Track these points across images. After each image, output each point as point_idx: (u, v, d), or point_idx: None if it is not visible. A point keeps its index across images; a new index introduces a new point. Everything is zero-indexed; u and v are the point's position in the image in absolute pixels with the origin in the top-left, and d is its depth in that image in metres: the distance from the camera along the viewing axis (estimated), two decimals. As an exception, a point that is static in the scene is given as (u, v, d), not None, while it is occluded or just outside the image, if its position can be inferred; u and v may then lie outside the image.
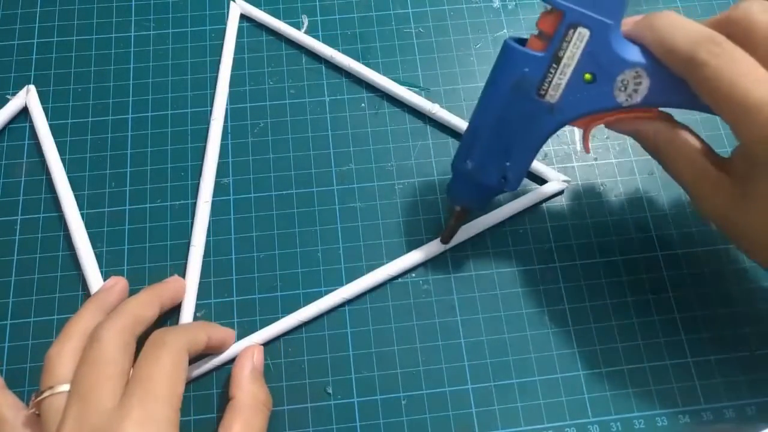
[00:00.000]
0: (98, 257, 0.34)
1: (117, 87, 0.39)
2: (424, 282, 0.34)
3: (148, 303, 0.30)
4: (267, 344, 0.33)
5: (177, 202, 0.36)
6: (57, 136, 0.37)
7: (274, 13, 0.41)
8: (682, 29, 0.26)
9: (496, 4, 0.42)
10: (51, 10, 0.41)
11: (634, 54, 0.27)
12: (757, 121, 0.24)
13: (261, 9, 0.41)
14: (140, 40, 0.40)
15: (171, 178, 0.37)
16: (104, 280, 0.34)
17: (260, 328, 0.33)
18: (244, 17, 0.41)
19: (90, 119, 0.38)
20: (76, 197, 0.36)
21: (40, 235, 0.35)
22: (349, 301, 0.34)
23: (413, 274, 0.35)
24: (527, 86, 0.28)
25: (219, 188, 0.36)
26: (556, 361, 0.33)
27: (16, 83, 0.39)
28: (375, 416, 0.32)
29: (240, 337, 0.33)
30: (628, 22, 0.28)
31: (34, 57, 0.40)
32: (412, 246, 0.35)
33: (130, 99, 0.39)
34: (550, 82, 0.27)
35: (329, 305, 0.33)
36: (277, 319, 0.33)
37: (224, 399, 0.31)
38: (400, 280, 0.34)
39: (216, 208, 0.36)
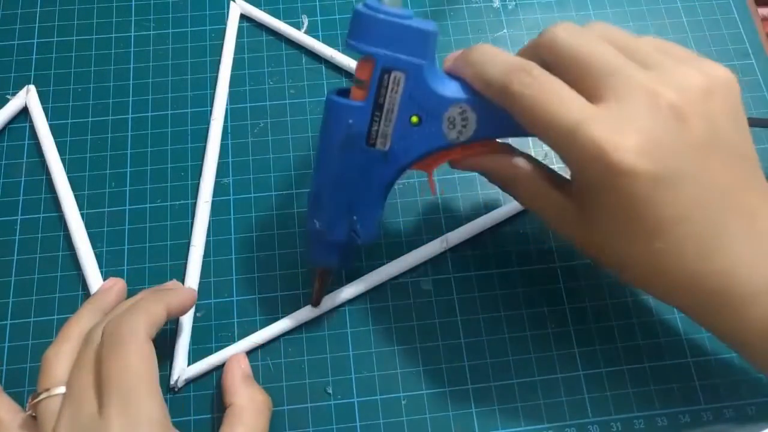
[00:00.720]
0: (98, 257, 0.34)
1: (117, 87, 0.39)
2: (424, 282, 0.34)
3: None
4: (266, 345, 0.33)
5: (177, 202, 0.36)
6: (57, 136, 0.37)
7: (274, 13, 0.41)
8: (494, 61, 0.26)
9: (496, 4, 0.42)
10: (51, 10, 0.41)
11: (455, 90, 0.27)
12: (574, 145, 0.24)
13: (261, 9, 0.41)
14: (140, 40, 0.40)
15: (171, 178, 0.37)
16: (104, 280, 0.34)
17: (260, 328, 0.33)
18: (244, 17, 0.41)
19: (90, 119, 0.38)
20: (76, 197, 0.36)
21: (40, 235, 0.35)
22: (349, 301, 0.34)
23: (413, 274, 0.35)
24: (355, 138, 0.27)
25: (219, 188, 0.36)
26: (556, 361, 0.33)
27: (16, 83, 0.39)
28: (375, 416, 0.32)
29: (240, 338, 0.33)
30: (450, 59, 0.28)
31: (34, 57, 0.40)
32: (412, 246, 0.35)
33: (130, 99, 0.39)
34: (378, 130, 0.27)
35: (331, 304, 0.33)
36: (277, 319, 0.33)
37: (222, 401, 0.31)
38: (400, 280, 0.34)
39: (216, 208, 0.36)
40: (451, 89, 0.27)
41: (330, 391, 0.32)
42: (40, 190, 0.36)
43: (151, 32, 0.41)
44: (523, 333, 0.33)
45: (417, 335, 0.33)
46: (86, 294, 0.34)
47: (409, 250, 0.35)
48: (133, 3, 0.41)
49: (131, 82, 0.39)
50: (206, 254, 0.35)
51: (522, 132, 0.27)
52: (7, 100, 0.38)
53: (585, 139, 0.23)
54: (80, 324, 0.29)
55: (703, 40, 0.41)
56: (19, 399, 0.31)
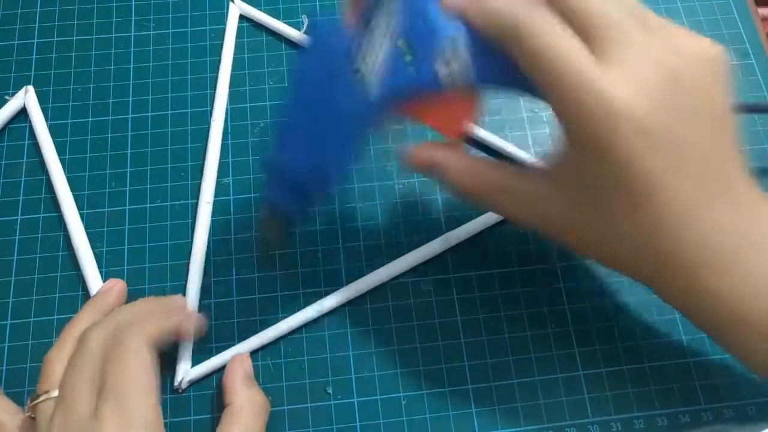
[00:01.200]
0: (98, 257, 0.34)
1: (117, 87, 0.39)
2: (424, 282, 0.34)
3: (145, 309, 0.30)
4: (266, 345, 0.33)
5: (177, 202, 0.36)
6: (57, 137, 0.37)
7: (274, 14, 0.41)
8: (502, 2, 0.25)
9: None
10: (51, 10, 0.41)
11: (453, 27, 0.25)
12: (578, 95, 0.23)
13: (260, 9, 0.41)
14: (140, 40, 0.40)
15: (171, 178, 0.37)
16: (104, 280, 0.34)
17: (260, 328, 0.33)
18: (243, 17, 0.41)
19: (90, 119, 0.38)
20: (76, 197, 0.36)
21: (40, 235, 0.35)
22: (349, 302, 0.34)
23: (413, 275, 0.35)
24: (340, 63, 0.25)
25: (219, 188, 0.36)
26: (556, 361, 0.33)
27: (16, 83, 0.39)
28: (375, 416, 0.32)
29: (240, 337, 0.33)
30: None
31: (34, 57, 0.40)
32: (412, 246, 0.35)
33: (130, 99, 0.39)
34: (365, 56, 0.25)
35: (331, 305, 0.33)
36: (278, 319, 0.33)
37: (222, 401, 0.31)
38: (400, 280, 0.34)
39: (216, 208, 0.36)
40: (450, 26, 0.25)
41: (330, 391, 0.32)
42: (39, 190, 0.36)
43: (151, 32, 0.41)
44: (523, 333, 0.33)
45: (417, 335, 0.33)
46: (86, 294, 0.34)
47: (409, 250, 0.35)
48: (133, 3, 0.41)
49: (131, 82, 0.39)
50: (206, 254, 0.35)
51: (518, 82, 0.25)
52: (6, 101, 0.38)
53: (590, 89, 0.23)
54: (81, 326, 0.29)
55: (703, 40, 0.41)
56: (19, 399, 0.31)
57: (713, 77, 0.25)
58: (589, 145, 0.24)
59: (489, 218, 0.35)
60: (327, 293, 0.34)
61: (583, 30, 0.24)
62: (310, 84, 0.26)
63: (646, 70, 0.24)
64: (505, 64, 0.25)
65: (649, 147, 0.23)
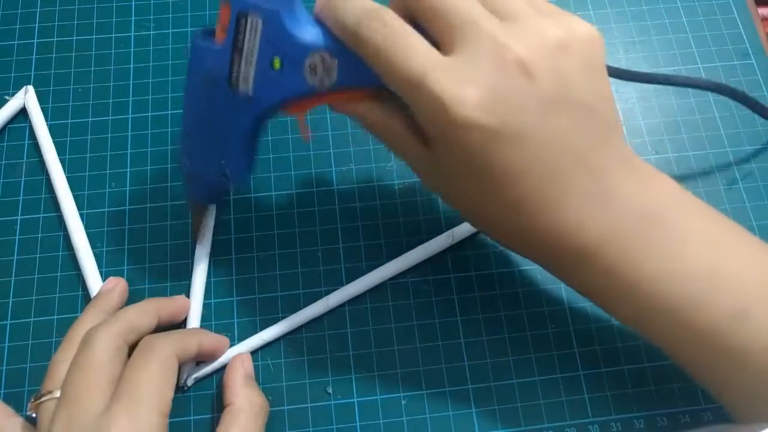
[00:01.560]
0: (98, 257, 0.34)
1: (117, 87, 0.39)
2: (424, 282, 0.34)
3: (146, 312, 0.30)
4: (266, 345, 0.33)
5: (177, 202, 0.36)
6: (57, 136, 0.37)
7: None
8: (350, 5, 0.25)
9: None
10: (51, 10, 0.41)
11: (317, 37, 0.26)
12: (418, 96, 0.24)
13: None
14: (140, 40, 0.40)
15: (171, 178, 0.37)
16: (104, 280, 0.34)
17: (260, 328, 0.33)
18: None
19: (90, 119, 0.38)
20: (76, 197, 0.36)
21: (40, 235, 0.35)
22: (349, 301, 0.34)
23: (413, 274, 0.35)
24: (217, 80, 0.27)
25: (219, 188, 0.36)
26: (556, 361, 0.33)
27: (16, 83, 0.39)
28: (375, 416, 0.32)
29: (240, 337, 0.33)
30: (319, 2, 0.27)
31: (34, 57, 0.40)
32: (412, 246, 0.35)
33: (130, 99, 0.39)
34: (238, 73, 0.26)
35: (331, 304, 0.33)
36: (278, 319, 0.33)
37: (222, 402, 0.31)
38: (400, 280, 0.34)
39: (216, 208, 0.36)
40: (313, 35, 0.26)
41: (330, 391, 0.32)
42: (39, 190, 0.36)
43: (151, 32, 0.41)
44: (523, 333, 0.33)
45: (417, 335, 0.33)
46: (86, 294, 0.34)
47: (409, 250, 0.35)
48: (133, 3, 0.41)
49: (131, 82, 0.39)
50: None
51: (383, 81, 0.26)
52: (6, 101, 0.38)
53: (427, 90, 0.23)
54: (85, 327, 0.29)
55: (703, 40, 0.41)
56: (19, 399, 0.31)
57: (578, 62, 0.24)
58: (434, 138, 0.25)
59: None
60: (327, 293, 0.34)
61: (436, 29, 0.25)
62: (196, 99, 0.28)
63: (492, 65, 0.23)
64: (369, 67, 0.26)
65: (497, 142, 0.24)
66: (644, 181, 0.26)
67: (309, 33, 0.26)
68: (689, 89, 0.39)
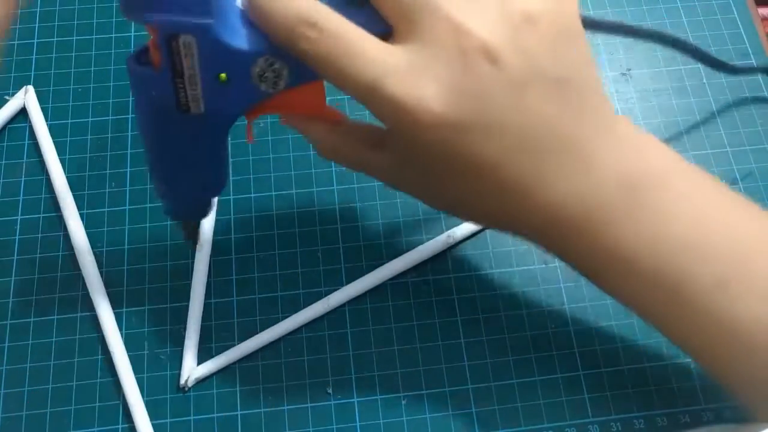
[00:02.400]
0: (98, 257, 0.34)
1: (117, 87, 0.39)
2: (424, 282, 0.34)
3: None
4: (266, 345, 0.33)
5: (177, 202, 0.36)
6: (57, 136, 0.37)
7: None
8: (277, 11, 0.22)
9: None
10: (51, 10, 0.41)
11: (257, 42, 0.24)
12: (375, 103, 0.22)
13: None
14: (140, 40, 0.40)
15: (171, 178, 0.37)
16: (104, 280, 0.34)
17: (260, 329, 0.33)
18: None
19: (90, 119, 0.38)
20: (76, 197, 0.36)
21: (40, 235, 0.35)
22: (349, 301, 0.34)
23: (413, 274, 0.35)
24: (166, 107, 0.25)
25: (219, 188, 0.36)
26: (555, 361, 0.33)
27: (16, 83, 0.39)
28: (375, 416, 0.32)
29: (240, 337, 0.33)
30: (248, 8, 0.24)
31: (34, 57, 0.40)
32: (411, 246, 0.35)
33: (130, 99, 0.39)
34: (185, 95, 0.24)
35: (331, 304, 0.33)
36: (278, 319, 0.33)
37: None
38: (400, 280, 0.34)
39: (216, 208, 0.36)
40: (254, 41, 0.24)
41: (330, 391, 0.32)
42: (40, 190, 0.36)
43: (151, 32, 0.41)
44: (523, 333, 0.33)
45: (417, 335, 0.33)
46: (86, 294, 0.34)
47: (409, 250, 0.35)
48: (133, 3, 0.41)
49: (131, 82, 0.39)
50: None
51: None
52: (6, 101, 0.38)
53: (384, 96, 0.22)
54: None
55: (703, 40, 0.41)
56: (19, 399, 0.31)
57: (546, 33, 0.23)
58: (404, 146, 0.24)
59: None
60: (327, 293, 0.34)
61: (390, 15, 0.23)
62: (149, 126, 0.26)
63: (451, 55, 0.22)
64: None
65: (466, 136, 0.22)
66: (627, 150, 0.24)
67: (248, 39, 0.24)
68: (691, 94, 0.39)
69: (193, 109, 0.25)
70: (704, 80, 0.40)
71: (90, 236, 0.35)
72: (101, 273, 0.34)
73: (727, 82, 0.39)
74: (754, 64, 0.40)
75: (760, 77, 0.40)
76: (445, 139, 0.23)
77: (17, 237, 0.35)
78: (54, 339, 0.33)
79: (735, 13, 0.42)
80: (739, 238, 0.25)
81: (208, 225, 0.35)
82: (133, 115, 0.38)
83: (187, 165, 0.27)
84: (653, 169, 0.25)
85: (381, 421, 0.32)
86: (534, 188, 0.24)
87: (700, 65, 0.40)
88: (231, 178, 0.37)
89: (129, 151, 0.37)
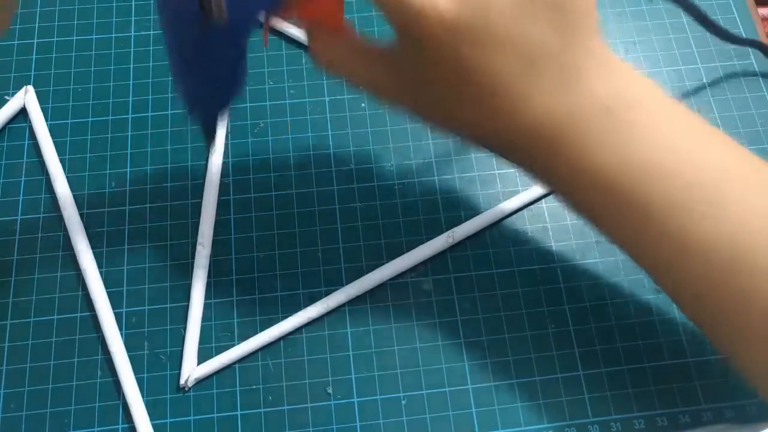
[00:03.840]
0: (98, 257, 0.34)
1: (117, 87, 0.39)
2: (424, 282, 0.34)
3: None
4: (266, 345, 0.33)
5: (177, 202, 0.36)
6: (57, 136, 0.37)
7: (274, 13, 0.41)
8: None
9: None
10: (51, 10, 0.41)
11: None
12: (392, 1, 0.24)
13: (261, 9, 0.41)
14: (140, 40, 0.40)
15: (171, 178, 0.37)
16: (104, 280, 0.34)
17: (260, 329, 0.33)
18: (244, 17, 0.41)
19: (90, 119, 0.38)
20: (76, 197, 0.36)
21: (40, 235, 0.35)
22: (349, 301, 0.34)
23: (413, 274, 0.35)
24: (191, 13, 0.25)
25: (220, 188, 0.36)
26: (556, 361, 0.33)
27: (16, 83, 0.39)
28: (375, 416, 0.32)
29: (240, 337, 0.33)
30: None
31: (34, 57, 0.40)
32: (412, 246, 0.35)
33: (130, 99, 0.39)
34: (209, 4, 0.25)
35: (331, 304, 0.33)
36: (278, 319, 0.33)
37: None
38: (400, 280, 0.34)
39: (216, 208, 0.36)
40: None
41: (330, 391, 0.32)
42: (40, 190, 0.36)
43: (151, 32, 0.41)
44: (524, 333, 0.33)
45: (417, 335, 0.33)
46: (86, 294, 0.34)
47: (409, 250, 0.35)
48: (133, 3, 0.41)
49: (131, 82, 0.39)
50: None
51: None
52: (6, 101, 0.38)
53: None
54: None
55: (703, 40, 0.41)
56: (20, 399, 0.31)
57: None
58: (405, 39, 0.25)
59: (488, 217, 0.35)
60: (327, 293, 0.34)
61: None
62: (175, 39, 0.27)
63: None
64: None
65: (476, 41, 0.24)
66: (614, 76, 0.26)
67: None
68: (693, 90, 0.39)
69: (217, 16, 0.25)
70: (704, 80, 0.40)
71: (90, 236, 0.35)
72: (101, 273, 0.34)
73: (727, 82, 0.39)
74: (754, 64, 0.40)
75: (759, 77, 0.40)
76: (453, 43, 0.24)
77: (17, 237, 0.35)
78: (54, 339, 0.33)
79: (735, 13, 0.42)
80: (708, 164, 0.25)
81: (206, 225, 0.35)
82: (134, 115, 0.38)
83: (207, 71, 0.28)
84: (631, 93, 0.26)
85: (381, 421, 0.32)
86: (523, 101, 0.25)
87: (700, 65, 0.40)
88: (231, 177, 0.37)
89: (129, 151, 0.37)
